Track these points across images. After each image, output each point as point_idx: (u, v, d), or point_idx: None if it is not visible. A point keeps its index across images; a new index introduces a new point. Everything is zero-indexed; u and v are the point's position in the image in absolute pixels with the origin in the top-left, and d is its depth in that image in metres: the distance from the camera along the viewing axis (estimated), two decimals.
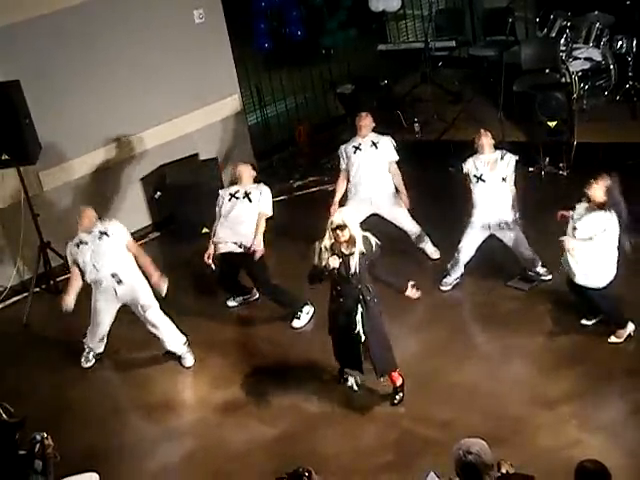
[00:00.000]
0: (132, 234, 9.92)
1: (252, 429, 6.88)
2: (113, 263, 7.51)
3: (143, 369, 7.86)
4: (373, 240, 6.54)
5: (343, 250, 6.44)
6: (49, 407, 7.50)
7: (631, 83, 10.47)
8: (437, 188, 9.74)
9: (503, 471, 4.89)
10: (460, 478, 4.63)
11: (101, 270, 7.49)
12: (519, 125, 10.46)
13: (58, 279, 9.30)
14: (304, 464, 4.76)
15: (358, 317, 6.55)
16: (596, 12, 10.91)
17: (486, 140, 7.93)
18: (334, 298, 6.67)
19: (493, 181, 7.79)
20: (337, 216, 6.47)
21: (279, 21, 14.38)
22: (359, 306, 6.54)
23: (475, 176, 7.85)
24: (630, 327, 7.17)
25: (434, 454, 6.14)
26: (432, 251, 8.69)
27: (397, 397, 6.88)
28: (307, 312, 8.04)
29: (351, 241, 6.42)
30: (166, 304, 8.57)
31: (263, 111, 12.31)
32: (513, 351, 7.23)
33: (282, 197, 10.69)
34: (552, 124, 9.89)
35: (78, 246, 7.57)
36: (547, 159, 9.96)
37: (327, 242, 6.48)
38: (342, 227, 6.37)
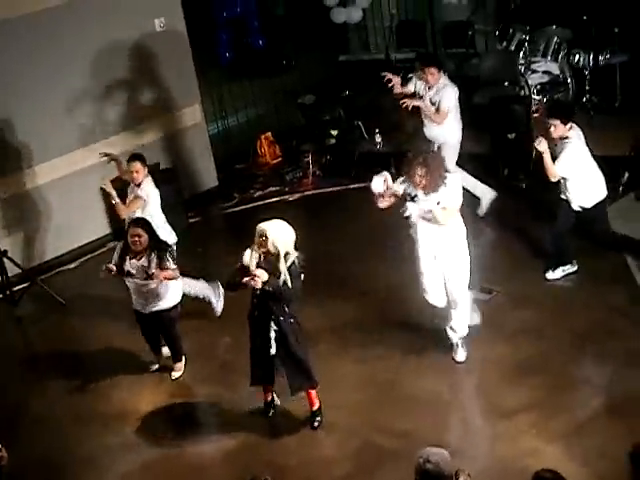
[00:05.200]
0: (91, 242, 9.91)
1: (212, 439, 6.85)
2: None
3: (102, 377, 7.79)
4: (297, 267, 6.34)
5: (263, 265, 6.30)
6: (5, 417, 7.40)
7: (588, 96, 10.62)
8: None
9: None
10: None
11: None
12: (478, 137, 10.54)
13: (15, 289, 9.20)
14: (264, 474, 4.75)
15: (271, 334, 6.48)
16: (554, 26, 11.06)
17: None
18: (251, 310, 6.55)
19: None
20: (265, 224, 6.33)
21: (240, 31, 14.41)
22: (272, 323, 6.46)
23: None
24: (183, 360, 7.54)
25: (394, 464, 6.16)
26: None
27: (316, 421, 6.79)
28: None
29: (270, 256, 6.30)
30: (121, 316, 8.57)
31: (224, 121, 12.30)
32: (473, 361, 7.26)
33: (242, 207, 10.69)
34: (511, 136, 9.99)
35: None
36: (506, 170, 10.06)
37: (255, 248, 6.34)
38: (263, 236, 6.26)
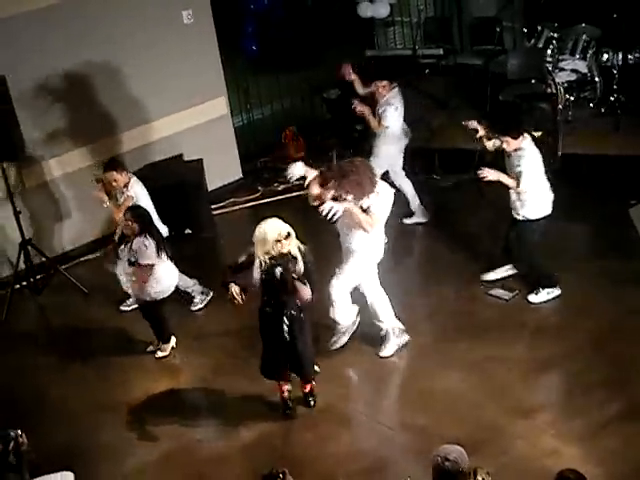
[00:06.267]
0: (115, 232, 9.96)
1: (229, 431, 6.87)
2: None
3: (123, 368, 7.84)
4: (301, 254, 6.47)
5: (274, 261, 6.38)
6: (26, 404, 7.47)
7: (616, 96, 10.53)
8: (423, 194, 9.76)
9: (479, 479, 4.90)
10: None
11: None
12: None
13: (38, 277, 9.27)
14: (281, 468, 4.76)
15: (284, 327, 6.54)
16: (583, 24, 10.96)
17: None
18: (262, 306, 6.63)
19: None
20: (284, 225, 6.40)
21: (267, 24, 14.41)
22: (284, 318, 6.52)
23: None
24: (172, 341, 7.85)
25: (411, 460, 6.17)
26: None
27: (311, 401, 6.97)
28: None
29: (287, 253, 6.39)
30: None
31: (250, 114, 12.31)
32: (492, 359, 7.24)
33: (267, 200, 10.70)
34: (537, 134, 9.93)
35: None
36: None
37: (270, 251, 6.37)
38: (288, 236, 6.36)
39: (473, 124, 7.98)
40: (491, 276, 8.24)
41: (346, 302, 7.41)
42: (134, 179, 8.32)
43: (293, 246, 6.41)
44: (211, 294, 8.59)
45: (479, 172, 7.57)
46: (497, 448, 6.24)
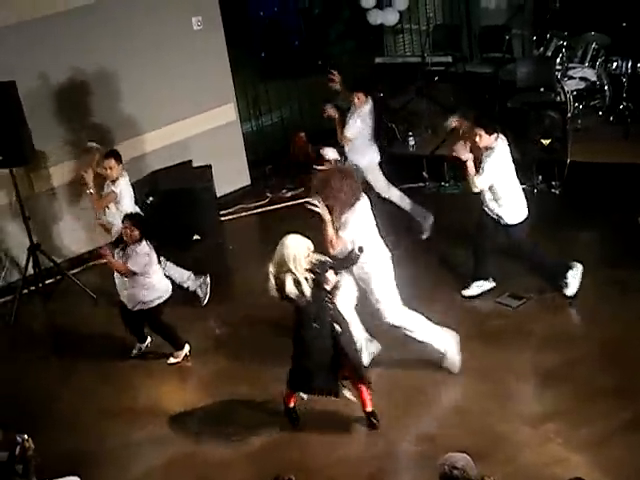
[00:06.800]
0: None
1: (236, 437, 6.84)
2: None
3: (128, 374, 7.85)
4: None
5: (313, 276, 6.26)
6: (33, 409, 7.47)
7: (625, 104, 10.52)
8: (431, 202, 9.76)
9: None
10: None
11: None
12: (513, 142, 10.45)
13: (47, 281, 9.29)
14: (288, 474, 4.75)
15: (337, 328, 6.44)
16: (592, 33, 10.98)
17: None
18: (305, 325, 6.38)
19: None
20: (303, 238, 6.27)
21: (277, 31, 14.45)
22: (336, 326, 6.44)
23: None
24: (186, 348, 7.80)
25: (419, 468, 6.15)
26: None
27: (374, 421, 6.69)
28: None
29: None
30: None
31: (258, 120, 12.33)
32: (499, 368, 7.23)
33: (275, 207, 10.71)
34: (546, 142, 9.93)
35: None
36: (540, 177, 10.00)
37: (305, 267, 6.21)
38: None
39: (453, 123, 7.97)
40: (467, 292, 8.23)
41: (411, 315, 7.20)
42: (125, 176, 8.39)
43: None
44: (208, 279, 8.68)
45: (458, 151, 7.51)
46: (504, 456, 6.22)
